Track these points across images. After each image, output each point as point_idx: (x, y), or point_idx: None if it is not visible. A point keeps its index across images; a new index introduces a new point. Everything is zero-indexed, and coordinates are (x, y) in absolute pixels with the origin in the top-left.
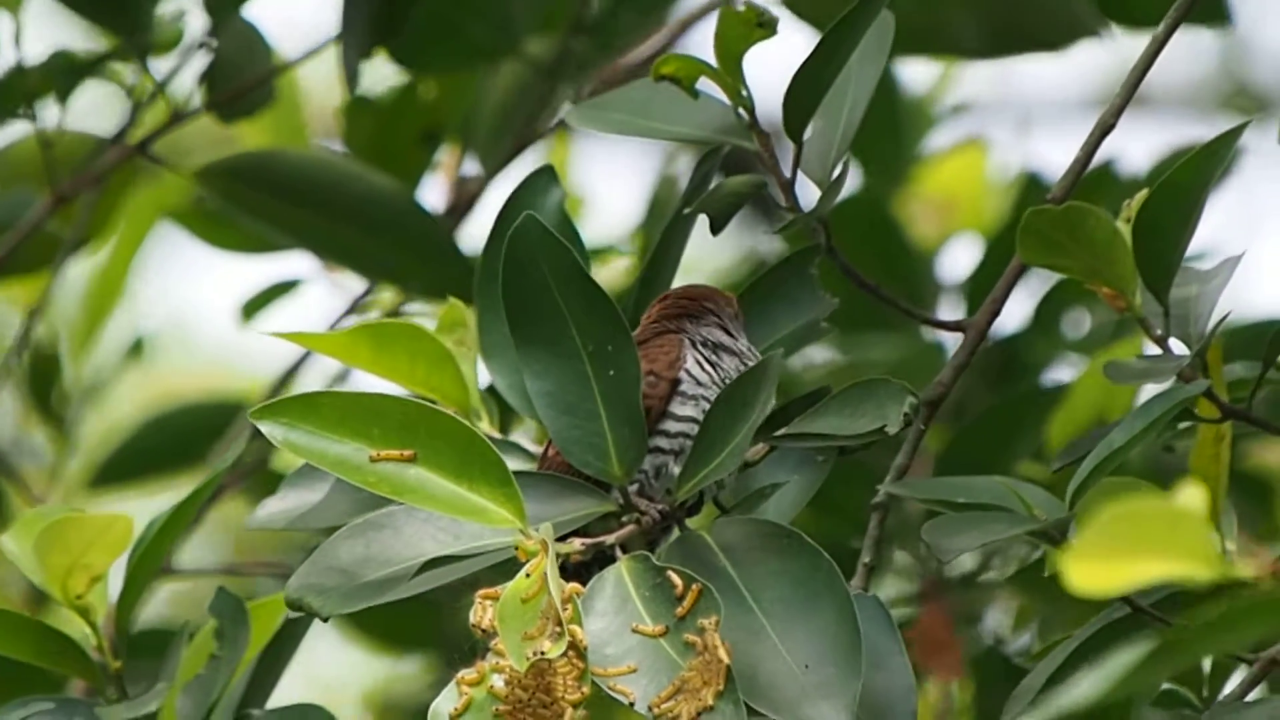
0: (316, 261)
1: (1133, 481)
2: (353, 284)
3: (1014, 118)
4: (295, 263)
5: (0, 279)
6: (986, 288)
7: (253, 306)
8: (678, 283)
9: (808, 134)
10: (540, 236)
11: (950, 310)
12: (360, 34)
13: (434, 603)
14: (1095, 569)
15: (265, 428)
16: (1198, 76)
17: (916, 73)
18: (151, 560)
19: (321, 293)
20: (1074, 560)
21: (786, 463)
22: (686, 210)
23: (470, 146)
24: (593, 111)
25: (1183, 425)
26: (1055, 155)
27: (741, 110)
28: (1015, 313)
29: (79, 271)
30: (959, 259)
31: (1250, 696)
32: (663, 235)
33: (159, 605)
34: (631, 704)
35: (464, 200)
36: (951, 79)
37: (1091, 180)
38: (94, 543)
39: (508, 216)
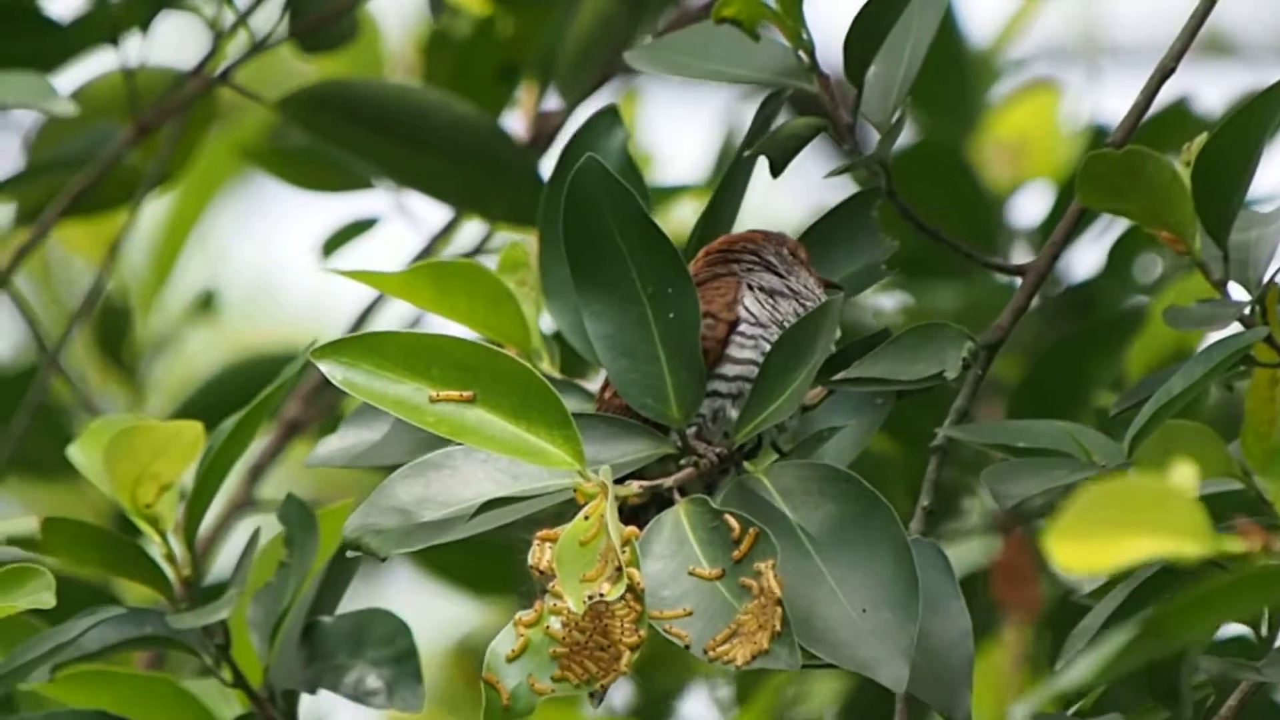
0: (396, 196)
1: (1195, 426)
2: (432, 221)
3: (1090, 63)
4: (374, 201)
5: (81, 214)
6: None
7: (332, 244)
8: (740, 229)
9: (868, 77)
10: (602, 178)
11: (1024, 256)
12: None
13: (512, 547)
14: (1080, 547)
15: (325, 367)
16: None
17: (988, 16)
18: (220, 468)
19: (401, 231)
20: (1057, 539)
21: (844, 406)
22: (746, 153)
23: (552, 79)
24: (653, 53)
25: (1243, 369)
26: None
27: (802, 53)
28: (1087, 259)
29: (151, 218)
30: (1032, 204)
31: None
32: (723, 179)
33: (240, 543)
34: (687, 647)
35: (545, 133)
36: (1024, 22)
37: (1165, 120)
38: (162, 451)
39: (570, 156)
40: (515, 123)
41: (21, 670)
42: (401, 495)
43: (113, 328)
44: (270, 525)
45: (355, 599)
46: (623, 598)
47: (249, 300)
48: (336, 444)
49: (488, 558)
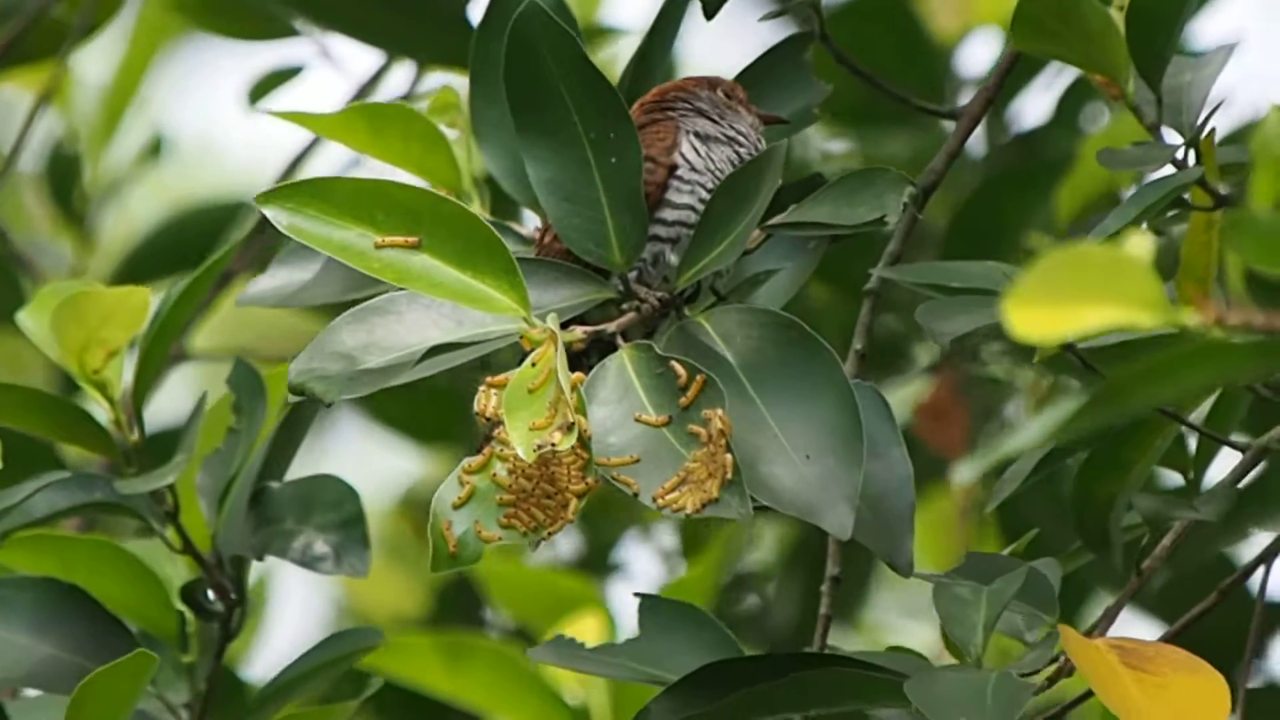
0: (322, 43)
1: None
2: (360, 67)
3: None
4: (302, 49)
5: (6, 68)
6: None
7: (259, 91)
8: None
9: None
10: (544, 23)
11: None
12: None
13: (458, 394)
14: (1038, 315)
15: (270, 212)
16: None
17: None
18: (167, 335)
19: (329, 79)
20: (1015, 306)
21: (777, 250)
22: None
23: None
24: None
25: (1175, 212)
26: None
27: None
28: (1036, 108)
29: (96, 67)
30: (981, 52)
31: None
32: (655, 21)
33: (172, 394)
34: (635, 494)
35: None
36: None
37: None
38: (110, 317)
39: None
40: None
41: None
42: (346, 341)
43: (62, 176)
44: (200, 376)
45: (302, 454)
46: (563, 450)
47: (188, 156)
48: (267, 283)
49: (434, 405)
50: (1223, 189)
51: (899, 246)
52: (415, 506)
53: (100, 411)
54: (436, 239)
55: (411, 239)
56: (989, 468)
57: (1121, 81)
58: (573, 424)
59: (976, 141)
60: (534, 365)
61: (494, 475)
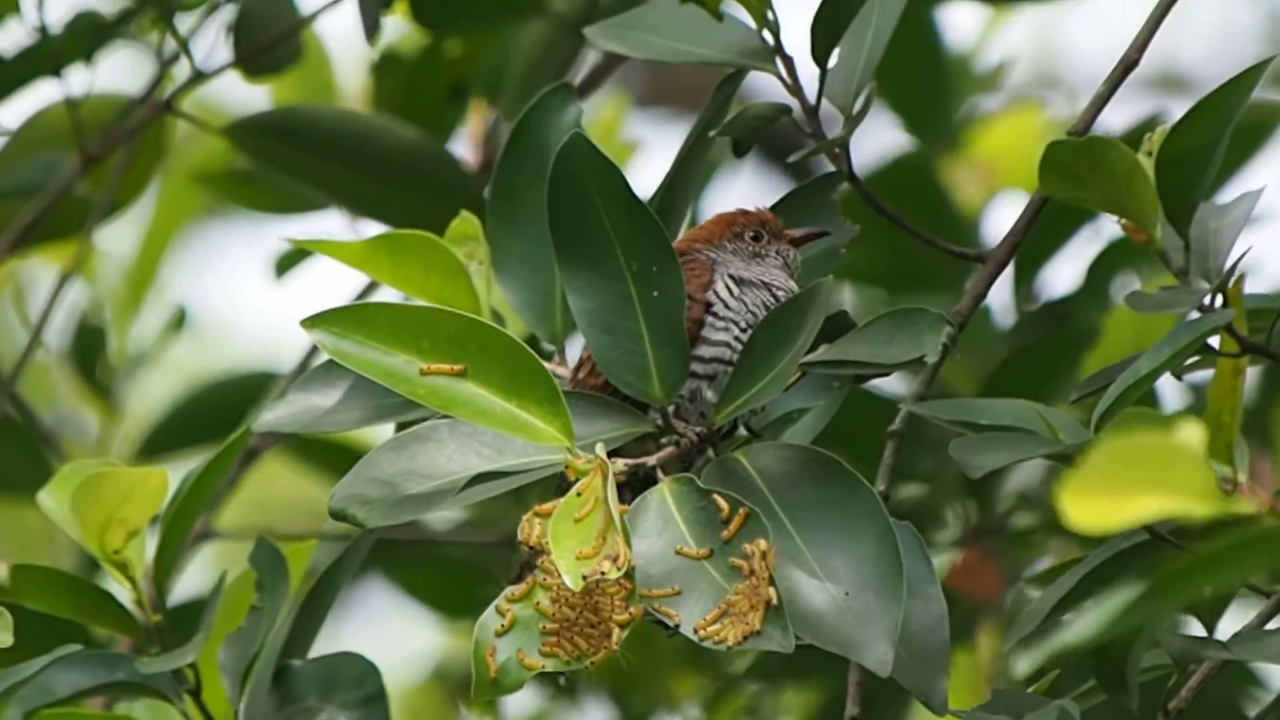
0: (347, 218)
1: (1157, 414)
2: None
3: (1063, 87)
4: (327, 223)
5: (32, 245)
6: (1035, 250)
7: (284, 264)
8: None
9: (832, 61)
10: (588, 155)
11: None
12: None
13: (487, 568)
14: (1093, 505)
15: (316, 336)
16: (1242, 57)
17: (961, 35)
18: (188, 514)
19: None
20: (1072, 496)
21: (801, 390)
22: (711, 134)
23: (498, 103)
24: (614, 30)
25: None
26: (1107, 119)
27: (767, 33)
28: (1067, 277)
29: (121, 242)
30: (1007, 215)
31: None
32: (679, 159)
33: (197, 572)
34: (677, 626)
35: (492, 157)
36: (992, 40)
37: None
38: (130, 497)
39: (523, 131)
40: (464, 146)
41: None
42: (387, 467)
43: (88, 348)
44: (226, 553)
45: (331, 628)
46: (613, 579)
47: (206, 332)
48: (286, 409)
49: (461, 578)
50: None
51: (924, 389)
52: (444, 679)
53: (122, 591)
54: (481, 367)
55: (457, 366)
56: (1043, 661)
57: (1149, 227)
58: (620, 554)
59: (1005, 311)
60: (579, 495)
61: (537, 604)
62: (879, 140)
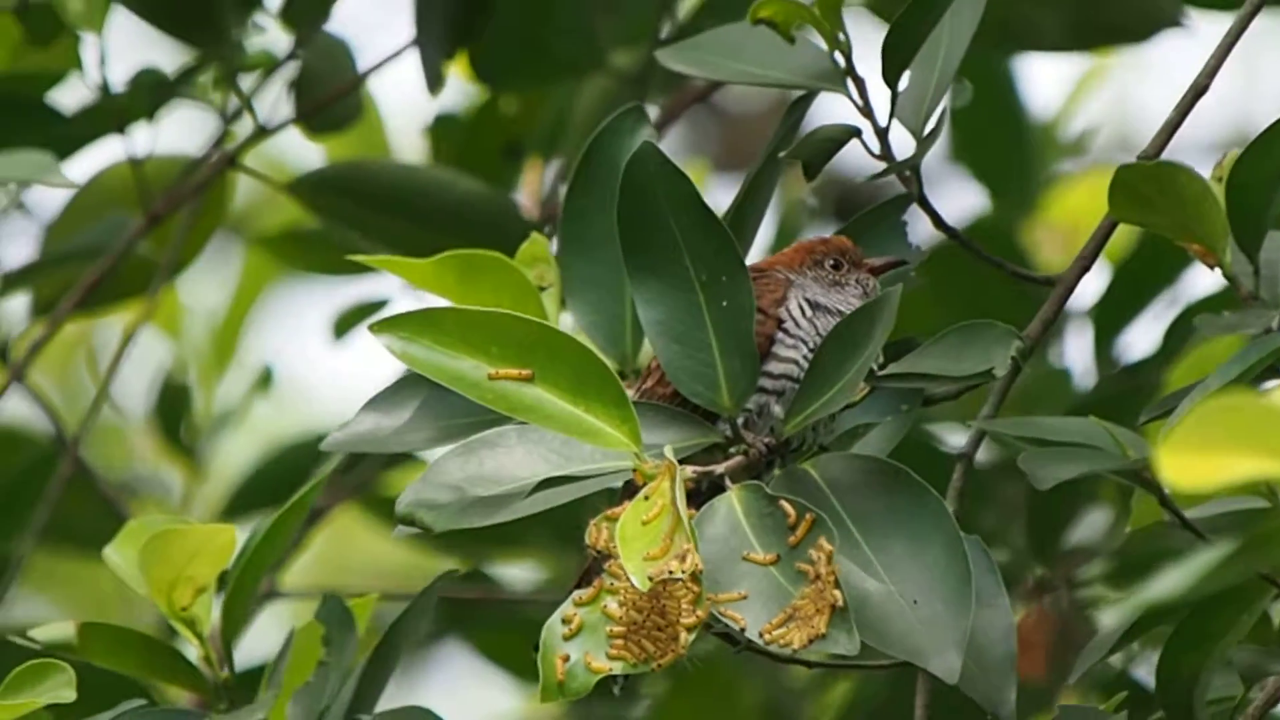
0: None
1: None
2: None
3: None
4: (387, 284)
5: (97, 305)
6: (1115, 314)
7: (344, 324)
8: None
9: (902, 83)
10: (658, 165)
11: (1078, 337)
12: (439, 36)
13: None
14: (1189, 462)
15: (385, 340)
16: None
17: (1043, 100)
18: (255, 570)
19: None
20: (1169, 453)
21: (868, 408)
22: (781, 155)
23: (558, 160)
24: (686, 53)
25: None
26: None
27: (838, 55)
28: (1142, 342)
29: (204, 301)
30: (1086, 285)
31: None
32: (749, 180)
33: (264, 630)
34: (743, 630)
35: (552, 215)
36: (1076, 107)
37: None
38: (197, 554)
39: (594, 152)
40: (522, 202)
41: None
42: (454, 473)
43: (172, 408)
44: (291, 613)
45: (410, 689)
46: (681, 578)
47: (281, 392)
48: (353, 430)
49: (534, 639)
50: None
51: (992, 410)
52: None
53: (190, 648)
54: (549, 372)
55: (525, 371)
56: (1134, 613)
57: (1219, 251)
58: (688, 554)
59: (1086, 375)
60: (647, 499)
61: (604, 608)
62: (958, 204)
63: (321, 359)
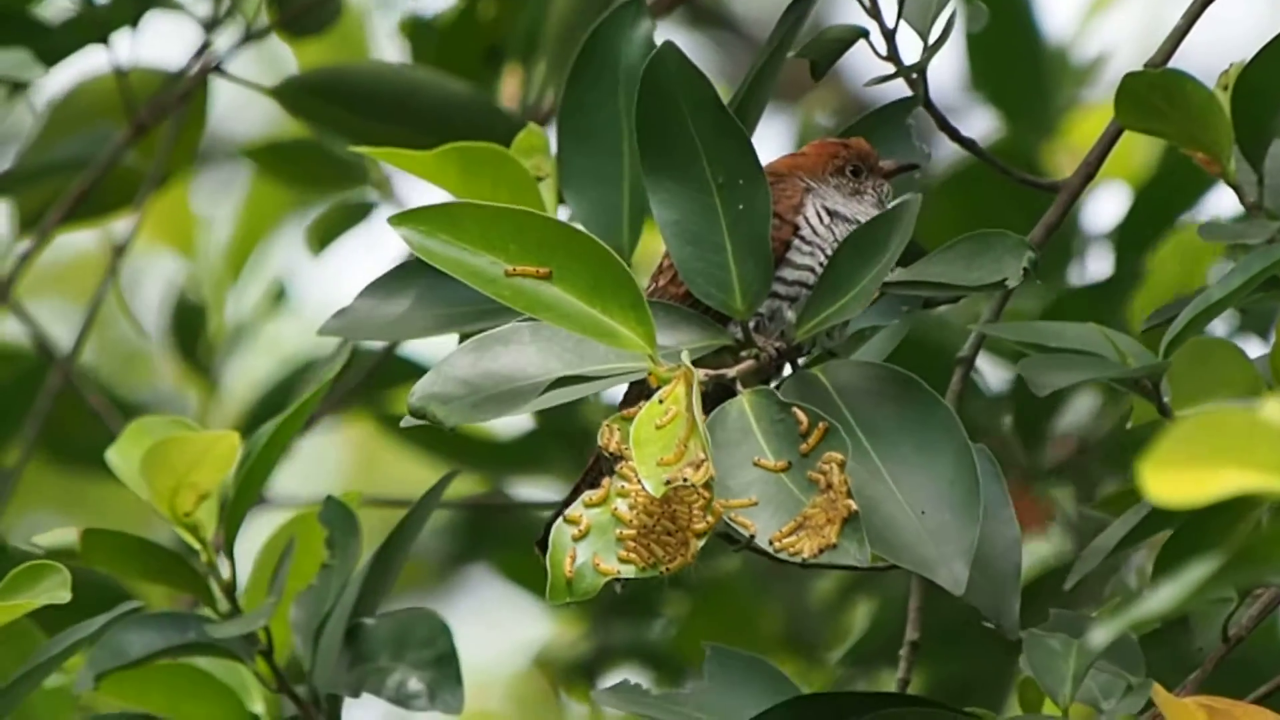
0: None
1: (1224, 342)
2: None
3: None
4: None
5: (83, 217)
6: (1135, 237)
7: (322, 227)
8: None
9: None
10: (678, 65)
11: (1100, 261)
12: None
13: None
14: (1175, 477)
15: (403, 233)
16: None
17: (1060, 22)
18: (257, 476)
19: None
20: (1153, 468)
21: (873, 311)
22: (790, 54)
23: (535, 65)
24: None
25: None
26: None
27: None
28: None
29: (218, 219)
30: (1106, 208)
31: None
32: (751, 76)
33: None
34: (752, 536)
35: (535, 118)
36: (1091, 28)
37: None
38: (199, 461)
39: (593, 47)
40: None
41: (53, 660)
42: (467, 368)
43: (187, 326)
44: (279, 520)
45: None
46: (694, 486)
47: (305, 310)
48: (349, 317)
49: None
50: None
51: (993, 316)
52: (547, 666)
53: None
54: (567, 271)
55: (542, 269)
56: (1123, 628)
57: (1223, 160)
58: (703, 461)
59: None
60: (661, 402)
61: (614, 509)
62: (976, 129)
63: (347, 275)
